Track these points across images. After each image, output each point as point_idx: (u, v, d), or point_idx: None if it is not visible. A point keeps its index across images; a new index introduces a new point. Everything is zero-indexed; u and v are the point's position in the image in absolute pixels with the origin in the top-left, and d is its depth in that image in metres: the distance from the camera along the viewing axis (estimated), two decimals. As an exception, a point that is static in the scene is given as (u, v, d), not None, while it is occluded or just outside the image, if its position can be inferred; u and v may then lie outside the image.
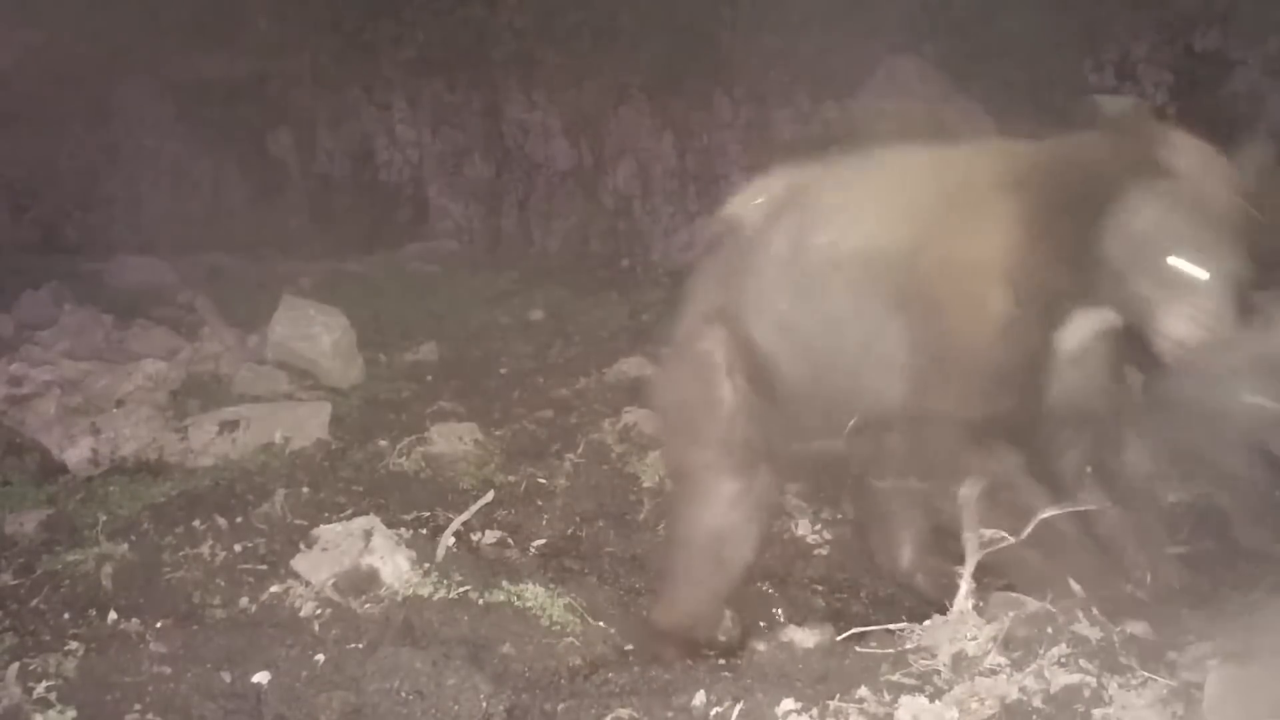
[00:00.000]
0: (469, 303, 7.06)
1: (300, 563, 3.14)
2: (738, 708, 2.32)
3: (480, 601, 3.01)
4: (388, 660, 2.55)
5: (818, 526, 3.76)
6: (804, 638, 2.97)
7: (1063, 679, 2.21)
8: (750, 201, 3.00)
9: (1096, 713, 2.12)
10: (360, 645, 2.76)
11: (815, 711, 2.28)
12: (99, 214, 8.71)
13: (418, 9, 8.83)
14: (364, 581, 3.05)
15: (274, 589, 3.09)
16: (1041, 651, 2.30)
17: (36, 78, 8.14)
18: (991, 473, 2.59)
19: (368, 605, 2.97)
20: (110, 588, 3.15)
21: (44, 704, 2.48)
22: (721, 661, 2.84)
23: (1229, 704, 2.02)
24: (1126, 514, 2.82)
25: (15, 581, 3.21)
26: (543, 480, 4.11)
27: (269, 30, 8.80)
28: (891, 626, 2.56)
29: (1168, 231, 2.49)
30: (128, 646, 2.73)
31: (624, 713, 2.42)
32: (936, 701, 2.23)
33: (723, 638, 3.05)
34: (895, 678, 2.33)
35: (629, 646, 3.01)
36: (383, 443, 4.34)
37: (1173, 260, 2.47)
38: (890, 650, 2.48)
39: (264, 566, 3.25)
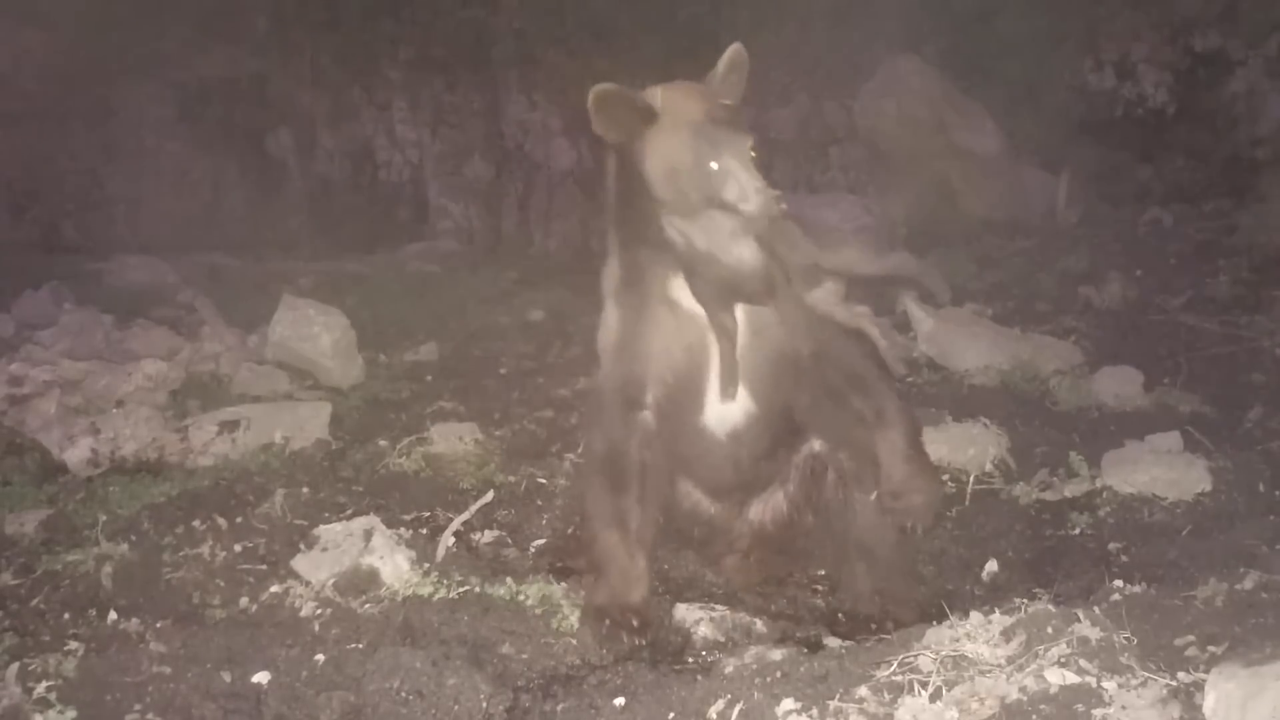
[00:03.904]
0: (469, 303, 7.06)
1: (300, 563, 3.14)
2: (738, 708, 2.32)
3: (480, 601, 3.01)
4: (388, 660, 2.55)
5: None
6: (804, 638, 2.97)
7: (1063, 679, 2.21)
8: None
9: (1096, 713, 2.12)
10: (360, 645, 2.76)
11: (815, 711, 2.28)
12: (99, 214, 8.71)
13: (418, 9, 8.84)
14: (364, 581, 3.05)
15: (274, 589, 3.09)
16: (1041, 651, 2.30)
17: (36, 78, 8.14)
18: None
19: (368, 605, 2.97)
20: (110, 588, 3.15)
21: (44, 704, 2.48)
22: (721, 661, 2.83)
23: (1229, 704, 2.02)
24: None
25: (15, 581, 3.21)
26: (543, 480, 4.10)
27: (269, 30, 8.80)
28: (891, 627, 2.56)
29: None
30: (128, 646, 2.72)
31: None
32: (936, 701, 2.23)
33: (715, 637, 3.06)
34: (895, 678, 2.33)
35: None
36: (383, 443, 4.34)
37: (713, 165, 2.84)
38: (890, 650, 2.48)
39: (264, 566, 3.25)
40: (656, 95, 2.95)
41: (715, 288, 2.94)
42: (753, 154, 2.90)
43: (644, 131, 2.92)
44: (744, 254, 2.93)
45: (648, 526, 3.03)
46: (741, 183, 2.84)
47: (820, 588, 3.44)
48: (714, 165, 2.86)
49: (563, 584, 3.16)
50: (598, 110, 2.87)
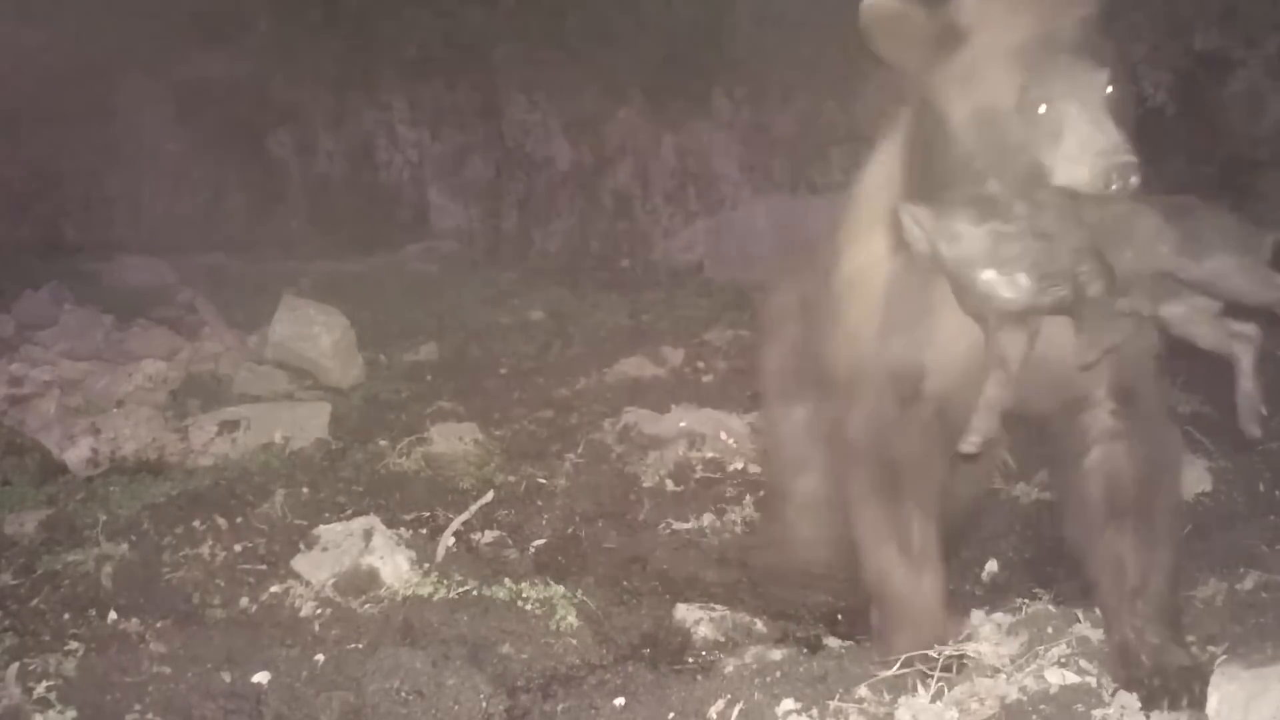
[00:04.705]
0: (469, 303, 7.06)
1: (300, 563, 3.15)
2: (738, 708, 2.32)
3: (480, 602, 3.01)
4: (388, 660, 2.55)
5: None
6: (804, 638, 2.97)
7: (1063, 679, 2.22)
8: None
9: (1096, 713, 2.12)
10: (360, 645, 2.76)
11: (815, 711, 2.29)
12: (99, 214, 8.71)
13: (418, 9, 8.83)
14: (364, 581, 3.06)
15: (274, 589, 3.09)
16: (1041, 651, 2.31)
17: (36, 78, 8.14)
18: None
19: (368, 605, 2.97)
20: (110, 588, 3.15)
21: (44, 704, 2.48)
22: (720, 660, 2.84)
23: (1231, 705, 2.02)
24: None
25: (15, 581, 3.21)
26: (543, 480, 4.11)
27: (269, 30, 8.80)
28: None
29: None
30: (128, 646, 2.73)
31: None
32: (937, 701, 2.23)
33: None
34: (895, 678, 2.33)
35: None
36: (383, 443, 4.34)
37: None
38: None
39: (264, 566, 3.26)
40: (966, 6, 2.22)
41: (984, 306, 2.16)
42: (1109, 91, 2.11)
43: (947, 57, 2.21)
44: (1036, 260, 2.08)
45: (931, 535, 2.47)
46: (1081, 136, 2.07)
47: (820, 587, 3.44)
48: (1044, 108, 2.11)
49: (563, 584, 3.17)
50: (876, 31, 2.22)
